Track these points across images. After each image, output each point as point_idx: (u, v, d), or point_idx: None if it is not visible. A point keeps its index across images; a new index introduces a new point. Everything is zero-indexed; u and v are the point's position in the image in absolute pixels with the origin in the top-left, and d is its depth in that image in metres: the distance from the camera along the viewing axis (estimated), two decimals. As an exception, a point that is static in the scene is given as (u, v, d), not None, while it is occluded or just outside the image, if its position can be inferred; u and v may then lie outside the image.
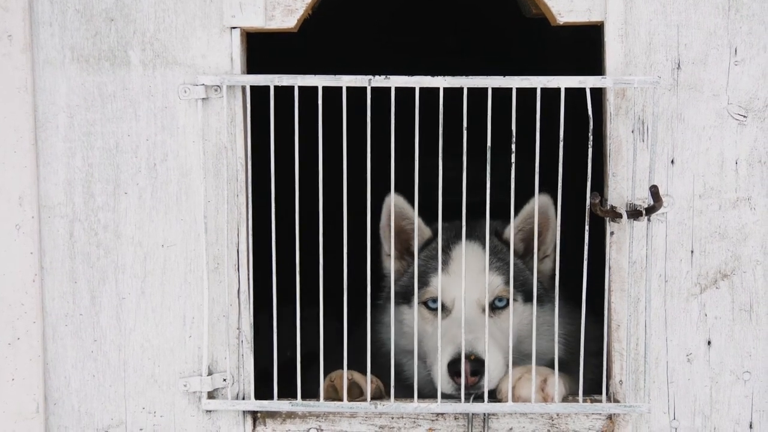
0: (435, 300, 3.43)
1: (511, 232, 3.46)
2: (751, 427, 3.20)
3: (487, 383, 3.17)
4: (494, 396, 3.21)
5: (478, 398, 3.18)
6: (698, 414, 3.20)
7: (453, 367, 3.19)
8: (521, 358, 3.32)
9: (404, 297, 3.52)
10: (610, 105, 3.09)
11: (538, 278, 3.39)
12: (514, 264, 3.40)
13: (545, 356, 3.31)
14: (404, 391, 3.26)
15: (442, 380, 3.21)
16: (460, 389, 3.17)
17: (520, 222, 3.46)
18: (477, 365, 3.17)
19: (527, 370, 3.19)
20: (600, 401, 3.16)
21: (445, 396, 3.19)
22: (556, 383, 3.13)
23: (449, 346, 3.23)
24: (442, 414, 3.19)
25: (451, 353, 3.21)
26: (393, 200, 3.38)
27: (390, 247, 3.53)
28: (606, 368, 3.15)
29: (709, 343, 3.19)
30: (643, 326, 3.14)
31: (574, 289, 3.15)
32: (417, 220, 3.36)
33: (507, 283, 3.41)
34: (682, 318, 3.18)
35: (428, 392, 3.27)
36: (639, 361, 3.15)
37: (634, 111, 3.11)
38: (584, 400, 3.16)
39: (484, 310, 3.31)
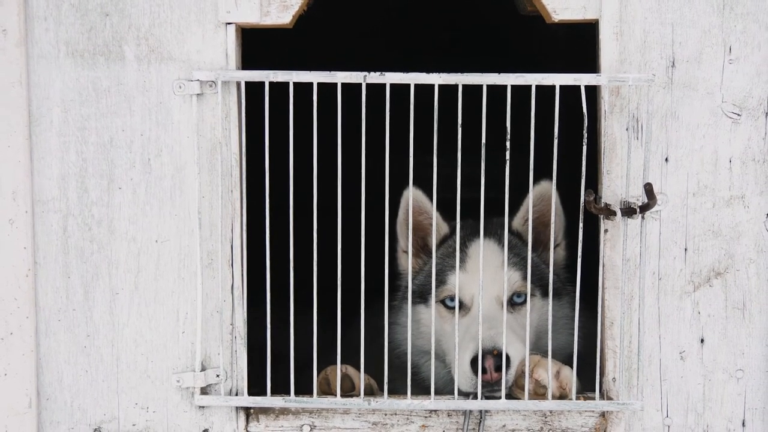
0: (453, 298, 3.35)
1: (529, 216, 3.36)
2: (743, 425, 3.20)
3: (511, 378, 3.14)
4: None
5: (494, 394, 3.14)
6: (691, 412, 3.20)
7: (476, 364, 3.13)
8: (543, 355, 3.28)
9: (421, 296, 3.46)
10: (604, 103, 3.09)
11: (553, 270, 3.33)
12: (531, 259, 3.33)
13: (565, 350, 3.28)
14: (420, 392, 3.23)
15: (464, 378, 3.16)
16: (482, 386, 3.12)
17: (525, 212, 3.40)
18: (500, 361, 3.12)
19: (541, 358, 3.16)
20: (593, 398, 3.15)
21: (463, 394, 3.17)
22: (574, 375, 3.12)
23: (471, 344, 3.18)
24: (435, 411, 3.19)
25: (474, 350, 3.16)
26: (411, 193, 3.28)
27: (407, 242, 3.38)
28: (599, 366, 3.15)
29: (702, 340, 3.19)
30: (636, 324, 3.14)
31: (591, 284, 3.13)
32: (435, 214, 3.32)
33: (525, 278, 3.34)
34: (676, 316, 3.18)
35: (447, 392, 3.24)
36: (632, 359, 3.15)
37: (628, 109, 3.11)
38: (577, 398, 3.15)
39: (503, 307, 3.24)
